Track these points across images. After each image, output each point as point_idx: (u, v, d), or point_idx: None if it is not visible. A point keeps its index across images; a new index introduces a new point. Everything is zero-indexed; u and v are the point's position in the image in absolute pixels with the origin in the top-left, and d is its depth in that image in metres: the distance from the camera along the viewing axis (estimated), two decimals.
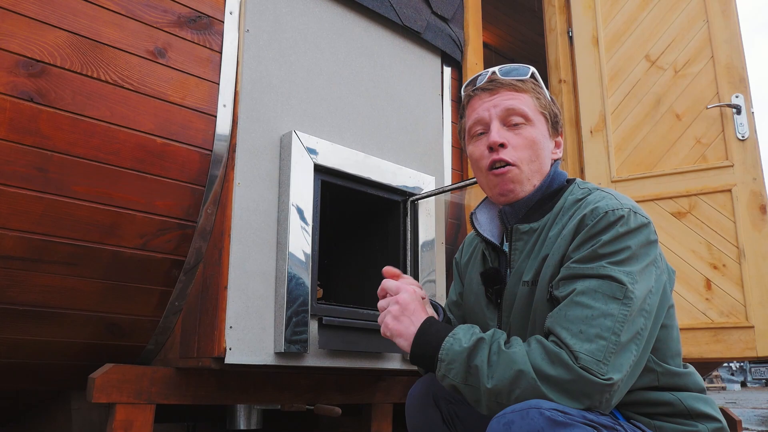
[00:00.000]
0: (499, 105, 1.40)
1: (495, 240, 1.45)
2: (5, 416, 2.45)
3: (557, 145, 1.47)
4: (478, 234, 1.46)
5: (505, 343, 1.17)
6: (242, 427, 2.47)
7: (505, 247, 1.42)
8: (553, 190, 1.40)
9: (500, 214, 1.44)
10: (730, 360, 3.11)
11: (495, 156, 1.37)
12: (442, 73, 2.84)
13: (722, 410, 4.22)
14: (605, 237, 1.19)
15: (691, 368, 1.33)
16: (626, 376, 1.12)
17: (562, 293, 1.19)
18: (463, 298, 1.59)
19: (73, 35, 1.74)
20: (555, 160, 1.45)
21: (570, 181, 1.43)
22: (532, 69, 1.45)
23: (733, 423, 4.18)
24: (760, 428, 6.76)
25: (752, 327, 2.83)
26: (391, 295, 1.36)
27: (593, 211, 1.24)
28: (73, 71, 1.73)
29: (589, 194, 1.33)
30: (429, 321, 1.29)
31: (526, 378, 1.10)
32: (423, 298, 1.42)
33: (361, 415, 2.58)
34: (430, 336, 1.26)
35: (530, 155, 1.38)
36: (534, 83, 1.44)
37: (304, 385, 2.29)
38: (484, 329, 1.26)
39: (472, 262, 1.57)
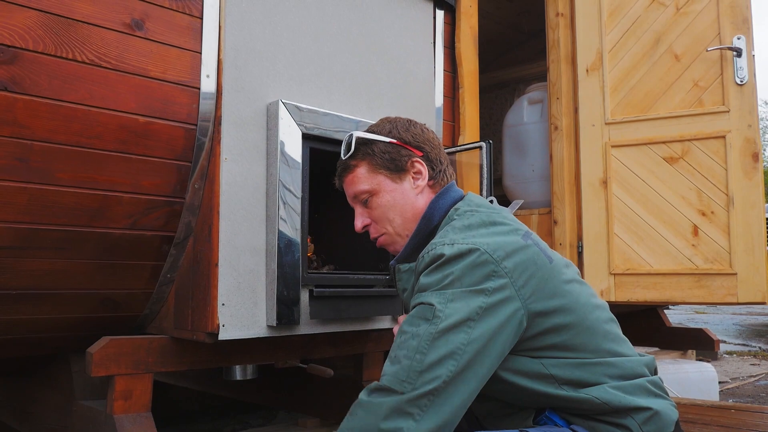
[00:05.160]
0: (348, 193, 1.51)
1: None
2: (11, 369, 2.54)
3: (416, 174, 1.47)
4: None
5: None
6: (238, 377, 2.56)
7: None
8: (434, 227, 1.43)
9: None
10: (710, 304, 3.19)
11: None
12: (435, 18, 2.72)
13: (701, 330, 4.38)
14: (428, 270, 1.26)
15: (625, 353, 1.29)
16: (445, 387, 1.13)
17: None
18: None
19: (44, 14, 1.65)
20: (433, 189, 1.48)
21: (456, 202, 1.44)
22: (354, 134, 1.47)
23: (711, 342, 4.36)
24: (737, 341, 7.03)
25: (735, 274, 2.89)
26: None
27: (423, 256, 1.30)
28: (47, 54, 1.66)
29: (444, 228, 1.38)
30: None
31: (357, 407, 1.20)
32: None
33: (353, 358, 2.67)
34: None
35: (390, 218, 1.47)
36: (362, 145, 1.46)
37: (297, 342, 2.35)
38: None
39: None
